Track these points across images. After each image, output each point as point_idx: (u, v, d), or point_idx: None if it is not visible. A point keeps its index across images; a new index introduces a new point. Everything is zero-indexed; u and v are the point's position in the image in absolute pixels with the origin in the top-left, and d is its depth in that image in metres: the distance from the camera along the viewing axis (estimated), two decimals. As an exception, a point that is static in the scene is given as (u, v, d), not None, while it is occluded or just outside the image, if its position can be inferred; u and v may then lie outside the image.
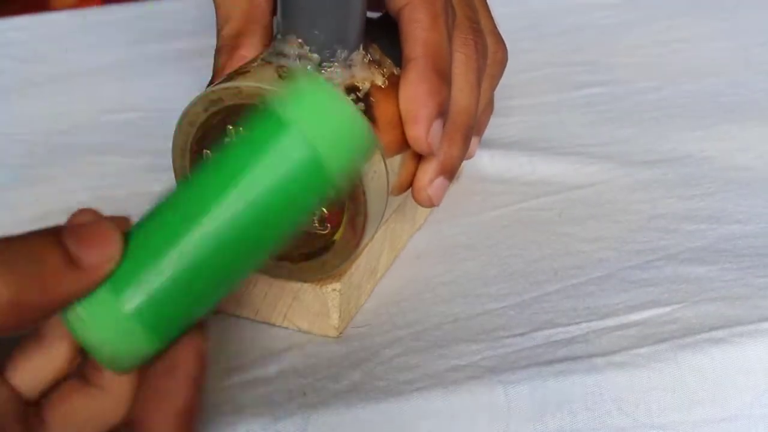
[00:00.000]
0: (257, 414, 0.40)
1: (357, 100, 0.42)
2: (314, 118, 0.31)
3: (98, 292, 0.31)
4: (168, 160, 0.58)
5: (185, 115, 0.42)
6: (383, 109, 0.43)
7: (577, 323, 0.45)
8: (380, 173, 0.42)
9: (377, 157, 0.42)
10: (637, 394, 0.42)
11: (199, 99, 0.42)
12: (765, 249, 0.50)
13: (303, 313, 0.44)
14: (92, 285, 0.32)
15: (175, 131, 0.43)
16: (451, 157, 0.45)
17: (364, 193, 0.41)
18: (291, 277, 0.44)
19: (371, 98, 0.43)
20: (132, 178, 0.57)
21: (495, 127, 0.56)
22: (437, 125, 0.43)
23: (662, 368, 0.42)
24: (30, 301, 0.30)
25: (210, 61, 0.70)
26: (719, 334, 0.44)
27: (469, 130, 0.45)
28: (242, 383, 0.42)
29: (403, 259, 0.50)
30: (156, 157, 0.59)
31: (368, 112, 0.42)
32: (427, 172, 0.45)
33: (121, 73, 0.69)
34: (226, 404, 0.40)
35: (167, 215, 0.32)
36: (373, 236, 0.45)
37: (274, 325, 0.45)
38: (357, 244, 0.42)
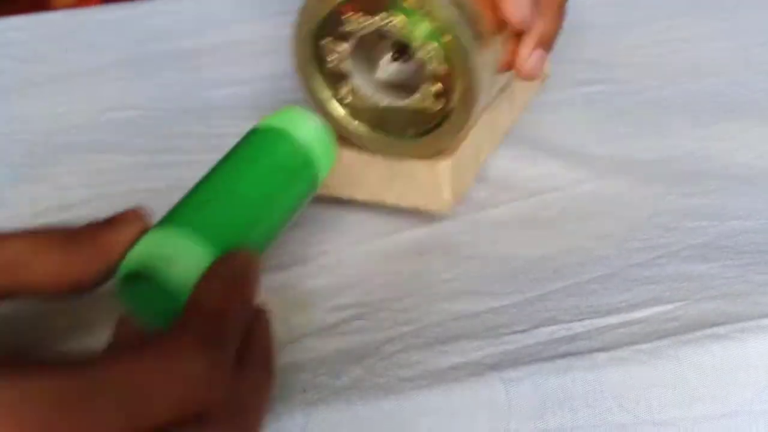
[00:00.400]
0: (258, 410, 0.39)
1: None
2: (301, 127, 0.44)
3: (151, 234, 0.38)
4: (167, 158, 0.58)
5: (305, 6, 0.47)
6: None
7: (579, 320, 0.45)
8: (486, 51, 0.47)
9: (483, 39, 0.47)
10: (637, 391, 0.42)
11: None
12: (766, 245, 0.50)
13: (417, 191, 0.49)
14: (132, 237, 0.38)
15: (294, 27, 0.48)
16: (547, 31, 0.50)
17: (472, 69, 0.46)
18: (408, 154, 0.48)
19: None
20: (131, 176, 0.57)
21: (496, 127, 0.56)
22: (527, 2, 0.48)
23: (663, 365, 0.42)
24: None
25: (210, 60, 0.70)
26: (720, 330, 0.44)
27: (560, 6, 0.50)
28: (243, 379, 0.41)
29: (405, 256, 0.50)
30: (155, 155, 0.59)
31: None
32: (527, 45, 0.50)
33: (120, 72, 0.69)
34: (227, 400, 0.40)
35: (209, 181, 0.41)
36: (480, 114, 0.50)
37: (388, 204, 0.50)
38: (468, 117, 0.47)
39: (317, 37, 0.48)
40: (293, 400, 0.40)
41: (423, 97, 0.48)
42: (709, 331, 0.43)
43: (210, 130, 0.61)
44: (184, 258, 0.37)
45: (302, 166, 0.43)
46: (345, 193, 0.51)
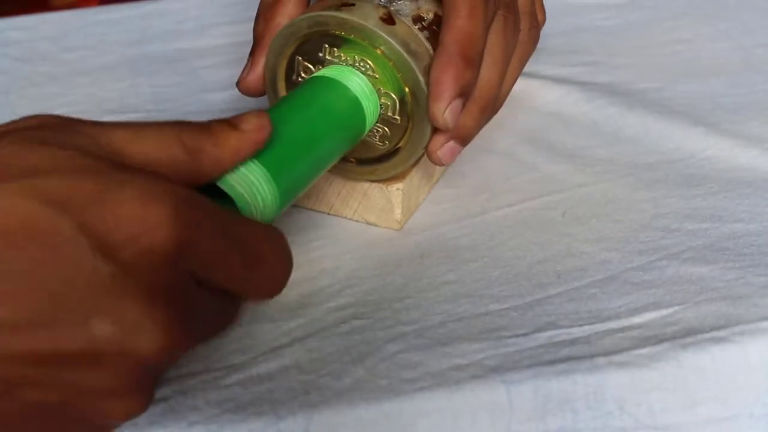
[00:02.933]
0: (260, 412, 0.39)
1: (422, 29, 0.49)
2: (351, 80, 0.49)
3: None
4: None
5: (290, 25, 0.49)
6: None
7: (579, 325, 0.45)
8: None
9: None
10: (638, 394, 0.42)
11: (307, 17, 0.48)
12: (766, 247, 0.50)
13: (371, 209, 0.52)
14: (252, 146, 0.40)
15: (276, 35, 0.50)
16: (465, 127, 0.50)
17: (424, 125, 0.49)
18: (360, 178, 0.52)
19: (434, 27, 0.49)
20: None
21: (498, 127, 0.56)
22: (456, 104, 0.47)
23: (664, 368, 0.42)
24: (207, 150, 0.38)
25: (210, 62, 0.70)
26: (720, 333, 0.44)
27: (488, 103, 0.50)
28: (244, 381, 0.41)
29: (407, 259, 0.50)
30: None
31: (431, 40, 0.49)
32: (440, 137, 0.49)
33: (120, 73, 0.69)
34: (229, 402, 0.40)
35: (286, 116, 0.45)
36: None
37: (346, 218, 0.53)
38: (414, 157, 0.50)
39: (295, 52, 0.50)
40: (295, 402, 0.40)
41: (371, 134, 0.50)
42: (709, 335, 0.43)
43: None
44: (265, 203, 0.42)
45: (353, 112, 0.48)
46: (307, 204, 0.54)
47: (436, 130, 0.49)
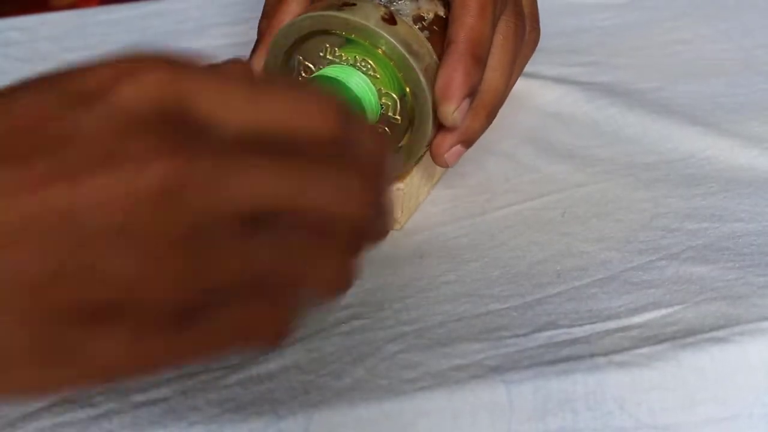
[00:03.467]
0: (260, 412, 0.40)
1: (422, 29, 0.49)
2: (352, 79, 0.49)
3: None
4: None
5: (291, 24, 0.49)
6: (444, 37, 0.49)
7: (579, 325, 0.45)
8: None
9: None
10: (638, 394, 0.42)
11: (308, 17, 0.48)
12: (766, 247, 0.50)
13: None
14: None
15: (277, 35, 0.50)
16: (472, 130, 0.50)
17: (426, 126, 0.49)
18: None
19: (434, 26, 0.49)
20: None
21: (499, 128, 0.56)
22: (465, 104, 0.48)
23: (663, 367, 0.42)
24: None
25: (210, 60, 0.70)
26: (720, 333, 0.44)
27: (495, 107, 0.50)
28: (244, 380, 0.42)
29: (407, 259, 0.50)
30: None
31: (431, 39, 0.49)
32: (447, 139, 0.49)
33: (121, 73, 0.69)
34: (229, 402, 0.40)
35: None
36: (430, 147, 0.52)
37: None
38: (415, 158, 0.50)
39: (294, 49, 0.50)
40: (295, 402, 0.40)
41: None
42: (708, 335, 0.43)
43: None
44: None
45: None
46: None
47: (439, 131, 0.50)
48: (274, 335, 0.33)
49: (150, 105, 0.32)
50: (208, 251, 0.31)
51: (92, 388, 0.38)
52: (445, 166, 0.51)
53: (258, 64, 0.51)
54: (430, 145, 0.50)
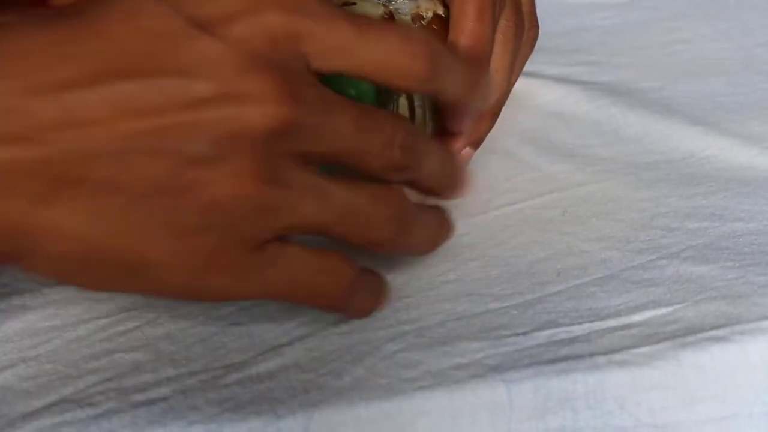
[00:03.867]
0: (260, 411, 0.39)
1: (421, 28, 0.49)
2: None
3: None
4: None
5: None
6: (443, 36, 0.49)
7: (579, 324, 0.45)
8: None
9: None
10: (638, 393, 0.42)
11: None
12: (766, 246, 0.50)
13: None
14: None
15: None
16: (479, 132, 0.51)
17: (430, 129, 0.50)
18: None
19: (433, 25, 0.50)
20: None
21: (499, 127, 0.56)
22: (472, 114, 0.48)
23: (664, 366, 0.42)
24: None
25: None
26: (720, 332, 0.43)
27: (499, 108, 0.51)
28: (243, 380, 0.42)
29: (406, 257, 0.50)
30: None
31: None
32: (456, 144, 0.50)
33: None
34: (228, 401, 0.40)
35: None
36: None
37: None
38: None
39: None
40: (295, 401, 0.40)
41: None
42: (709, 334, 0.43)
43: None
44: None
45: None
46: None
47: (447, 136, 0.50)
48: (342, 296, 0.41)
49: (267, 43, 0.36)
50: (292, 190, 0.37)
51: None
52: None
53: None
54: None
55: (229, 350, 0.43)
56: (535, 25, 0.54)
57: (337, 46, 0.37)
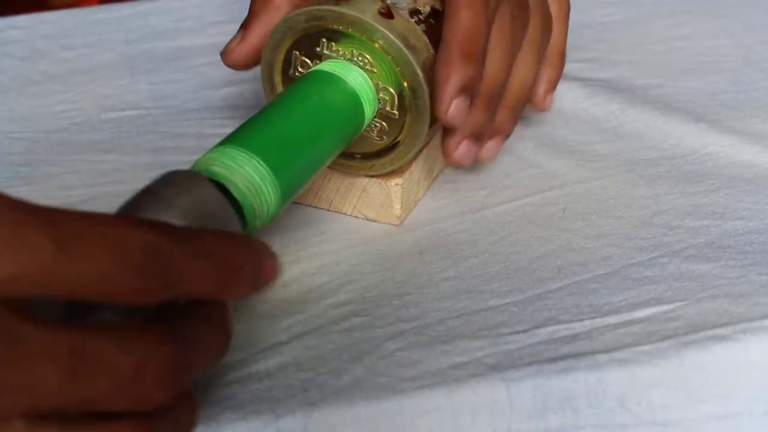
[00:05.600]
0: (259, 410, 0.39)
1: (419, 22, 0.49)
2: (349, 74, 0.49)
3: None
4: (167, 158, 0.58)
5: (287, 19, 0.49)
6: (440, 30, 0.49)
7: (579, 320, 0.45)
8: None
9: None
10: (639, 391, 0.42)
11: (305, 11, 0.48)
12: (768, 245, 0.50)
13: (370, 205, 0.52)
14: None
15: (273, 29, 0.49)
16: (474, 123, 0.50)
17: (423, 121, 0.49)
18: (360, 173, 0.51)
19: (431, 20, 0.49)
20: (132, 175, 0.56)
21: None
22: (460, 102, 0.47)
23: (665, 365, 0.42)
24: None
25: (210, 59, 0.70)
26: (722, 331, 0.43)
27: (492, 98, 0.50)
28: (243, 378, 0.41)
29: (407, 254, 0.50)
30: (156, 154, 0.59)
31: (428, 33, 0.49)
32: (453, 137, 0.50)
33: (120, 71, 0.69)
34: (227, 400, 0.40)
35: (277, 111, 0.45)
36: (429, 141, 0.53)
37: (345, 214, 0.53)
38: (414, 150, 0.50)
39: (292, 46, 0.50)
40: (294, 400, 0.40)
41: (369, 129, 0.50)
42: (711, 332, 0.43)
43: (210, 130, 0.61)
44: (268, 203, 0.41)
45: (351, 106, 0.48)
46: (306, 201, 0.53)
47: (445, 131, 0.50)
48: None
49: None
50: None
51: None
52: (459, 165, 0.51)
53: (249, 39, 0.50)
54: (429, 139, 0.50)
55: (229, 348, 0.43)
56: (549, 20, 0.53)
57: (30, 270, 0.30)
